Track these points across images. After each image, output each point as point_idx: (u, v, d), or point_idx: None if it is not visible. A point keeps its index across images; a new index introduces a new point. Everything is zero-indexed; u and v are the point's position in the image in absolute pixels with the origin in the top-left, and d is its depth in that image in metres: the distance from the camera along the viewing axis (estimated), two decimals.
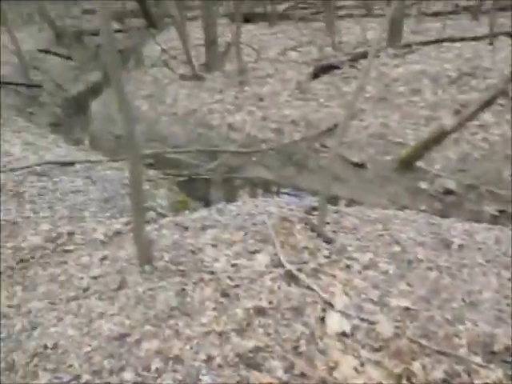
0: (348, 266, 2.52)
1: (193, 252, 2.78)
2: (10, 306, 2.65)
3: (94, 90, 10.66)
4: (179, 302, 2.38)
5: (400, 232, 2.92)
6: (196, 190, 5.84)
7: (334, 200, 5.02)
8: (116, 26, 14.90)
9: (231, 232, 2.96)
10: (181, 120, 7.62)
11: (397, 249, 2.70)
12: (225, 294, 2.39)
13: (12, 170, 4.31)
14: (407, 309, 2.26)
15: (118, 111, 2.57)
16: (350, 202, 5.12)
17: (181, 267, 2.64)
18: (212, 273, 2.57)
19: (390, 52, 7.37)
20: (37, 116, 9.05)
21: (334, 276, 2.45)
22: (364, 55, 7.06)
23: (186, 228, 3.13)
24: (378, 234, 2.84)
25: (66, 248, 3.30)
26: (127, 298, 2.47)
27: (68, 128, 8.57)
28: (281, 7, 12.12)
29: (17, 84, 9.71)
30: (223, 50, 9.19)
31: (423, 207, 4.50)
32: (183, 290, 2.45)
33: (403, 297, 2.33)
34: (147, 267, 2.67)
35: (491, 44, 7.29)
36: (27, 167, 4.39)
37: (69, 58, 13.13)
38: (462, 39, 7.70)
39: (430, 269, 2.58)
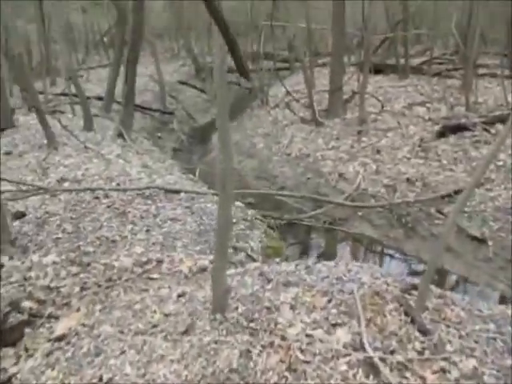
0: (444, 371, 2.08)
1: (268, 309, 2.57)
2: (84, 325, 2.68)
3: None
4: (241, 364, 2.18)
5: None
6: (294, 236, 5.67)
7: (442, 273, 4.49)
8: (249, 65, 15.89)
9: (314, 295, 2.70)
10: (292, 162, 7.60)
11: (511, 362, 2.18)
12: (292, 369, 2.13)
13: (124, 189, 4.59)
14: None
15: (219, 150, 2.55)
16: (461, 280, 4.51)
17: (252, 324, 2.45)
18: (283, 338, 2.33)
19: None
20: (163, 140, 9.79)
21: (423, 378, 2.04)
22: (502, 119, 6.41)
23: (269, 280, 2.94)
24: (488, 336, 2.34)
25: (151, 276, 3.33)
26: (191, 346, 2.34)
27: (187, 155, 9.10)
28: (414, 61, 11.68)
29: (153, 110, 10.71)
30: (347, 97, 9.07)
31: None
32: (249, 351, 2.25)
33: None
34: (218, 316, 2.53)
35: None
36: (138, 189, 4.63)
37: (202, 90, 14.22)
38: None
39: None
